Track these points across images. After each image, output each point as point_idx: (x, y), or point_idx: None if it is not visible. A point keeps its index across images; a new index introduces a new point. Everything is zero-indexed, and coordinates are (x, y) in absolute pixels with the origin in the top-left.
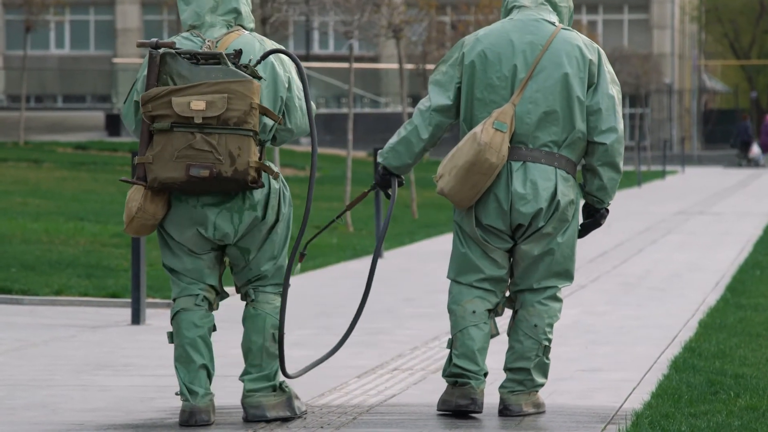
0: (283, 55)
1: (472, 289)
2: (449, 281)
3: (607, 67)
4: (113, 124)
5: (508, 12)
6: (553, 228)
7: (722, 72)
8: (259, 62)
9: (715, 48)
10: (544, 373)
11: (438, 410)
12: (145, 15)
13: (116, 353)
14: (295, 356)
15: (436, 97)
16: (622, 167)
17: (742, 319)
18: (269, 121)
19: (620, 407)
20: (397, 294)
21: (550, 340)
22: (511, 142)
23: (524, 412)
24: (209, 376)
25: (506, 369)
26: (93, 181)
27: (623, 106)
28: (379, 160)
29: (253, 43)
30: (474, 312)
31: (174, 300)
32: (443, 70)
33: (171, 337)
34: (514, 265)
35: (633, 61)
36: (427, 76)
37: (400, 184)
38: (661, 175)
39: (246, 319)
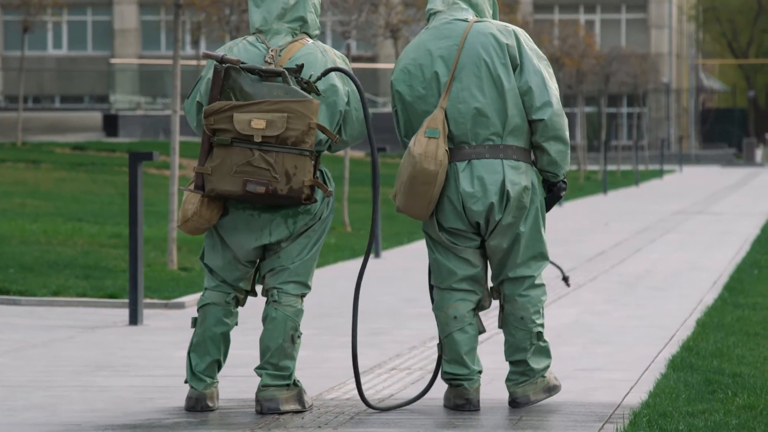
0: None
1: (452, 293)
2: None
3: (529, 45)
4: (111, 125)
5: (428, 21)
6: (514, 218)
7: (720, 71)
8: (319, 78)
9: (712, 47)
10: (545, 355)
11: (443, 405)
12: (142, 15)
13: (115, 354)
14: None
15: (395, 127)
16: (568, 138)
17: (740, 318)
18: (325, 136)
19: (618, 406)
20: (396, 294)
21: (541, 325)
22: (453, 143)
23: (532, 401)
24: (219, 368)
25: (507, 361)
26: (91, 182)
27: (622, 105)
28: None
29: (315, 54)
30: (455, 317)
31: (205, 290)
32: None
33: (194, 323)
34: (488, 260)
35: (631, 60)
36: None
37: None
38: (659, 174)
39: (267, 319)
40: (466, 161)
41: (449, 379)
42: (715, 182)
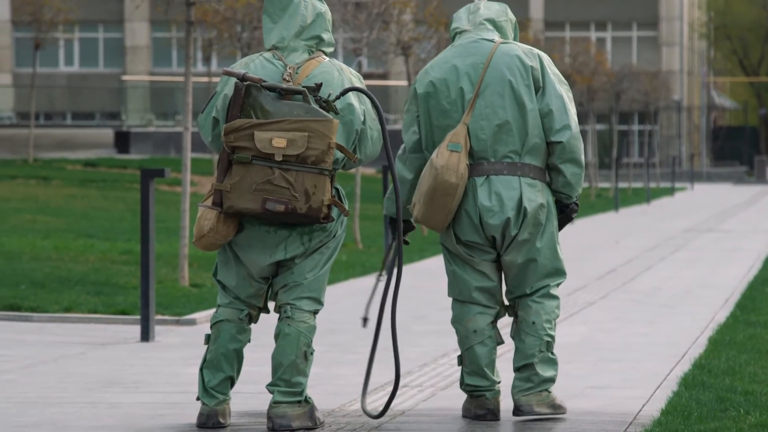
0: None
1: (471, 306)
2: (451, 300)
3: (551, 69)
4: (122, 141)
5: (453, 40)
6: (529, 233)
7: (731, 89)
8: (338, 97)
9: (723, 65)
10: (552, 367)
11: (462, 416)
12: (153, 32)
13: (125, 370)
14: None
15: (408, 138)
16: (584, 161)
17: (752, 336)
18: (341, 155)
19: (630, 424)
20: (407, 311)
21: (551, 336)
22: (473, 159)
23: (537, 413)
24: (232, 385)
25: (514, 370)
26: (102, 199)
27: (633, 123)
28: (384, 213)
29: (332, 72)
30: (475, 331)
31: (218, 306)
32: (405, 110)
33: (208, 339)
34: (504, 276)
35: (642, 78)
36: None
37: (411, 228)
38: (670, 191)
39: (279, 336)
40: (485, 176)
41: (470, 390)
42: (727, 200)
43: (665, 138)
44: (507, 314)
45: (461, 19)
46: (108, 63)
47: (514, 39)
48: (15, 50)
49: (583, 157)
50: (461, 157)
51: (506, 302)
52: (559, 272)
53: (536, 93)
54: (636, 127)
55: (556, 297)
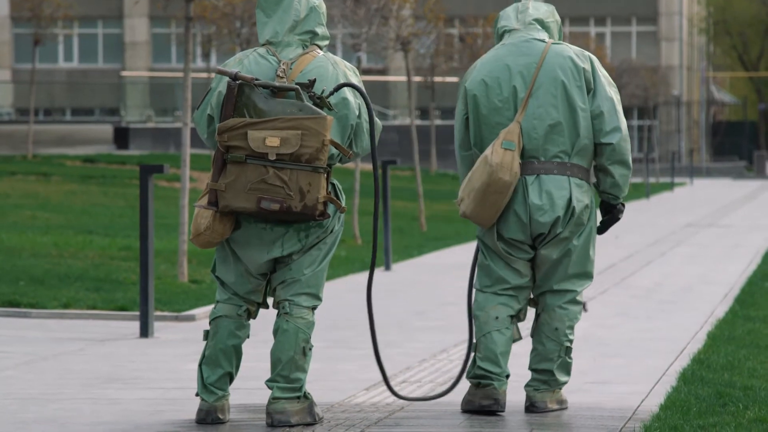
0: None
1: (496, 296)
2: (475, 290)
3: (602, 72)
4: (121, 137)
5: (500, 37)
6: (570, 232)
7: (731, 84)
8: (332, 93)
9: (723, 60)
10: (567, 372)
11: (462, 410)
12: (153, 28)
13: (125, 366)
14: None
15: (456, 136)
16: (631, 163)
17: (751, 331)
18: (337, 150)
19: (629, 419)
20: (406, 307)
21: (571, 341)
22: (523, 157)
23: (549, 409)
24: (231, 381)
25: (531, 369)
26: (102, 195)
27: (632, 118)
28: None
29: (326, 66)
30: (497, 318)
31: (217, 302)
32: (456, 108)
33: (206, 335)
34: (535, 269)
35: (641, 73)
36: (435, 89)
37: None
38: (670, 187)
39: (278, 332)
40: (535, 175)
41: (480, 376)
42: (726, 195)
43: (665, 133)
44: (529, 306)
45: (510, 17)
46: (107, 59)
47: (558, 39)
48: (14, 46)
49: (630, 158)
50: (515, 156)
51: (531, 295)
52: (588, 275)
53: (587, 94)
54: (635, 122)
55: (580, 302)
